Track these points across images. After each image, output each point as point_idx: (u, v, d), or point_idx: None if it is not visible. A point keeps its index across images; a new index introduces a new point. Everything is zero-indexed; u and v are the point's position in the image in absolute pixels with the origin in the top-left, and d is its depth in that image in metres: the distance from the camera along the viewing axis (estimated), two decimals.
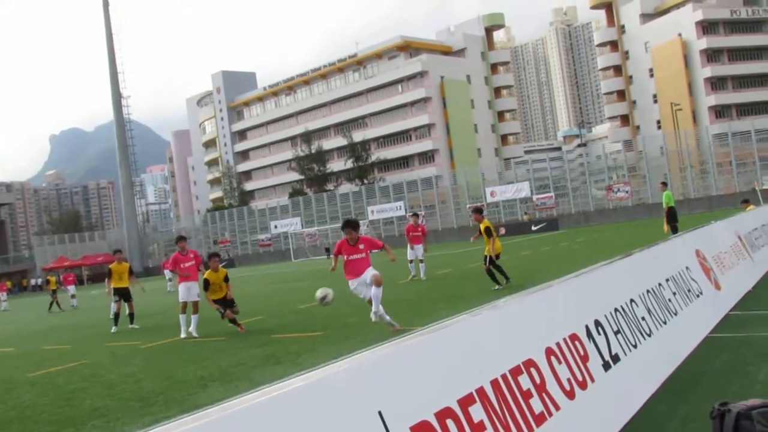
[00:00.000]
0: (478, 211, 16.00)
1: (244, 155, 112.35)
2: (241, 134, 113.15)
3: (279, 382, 2.79)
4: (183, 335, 13.13)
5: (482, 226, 15.35)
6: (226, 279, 13.09)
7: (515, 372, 3.90)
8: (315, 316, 14.04)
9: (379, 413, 2.93)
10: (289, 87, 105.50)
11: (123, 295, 17.12)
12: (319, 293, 10.12)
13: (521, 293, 4.83)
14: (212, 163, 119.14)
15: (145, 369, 10.06)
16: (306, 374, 2.90)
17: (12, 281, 51.02)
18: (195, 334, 13.12)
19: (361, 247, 10.36)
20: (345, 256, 10.38)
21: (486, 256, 15.08)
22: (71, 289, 30.88)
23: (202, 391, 7.91)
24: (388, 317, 10.33)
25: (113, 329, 16.26)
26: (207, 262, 13.48)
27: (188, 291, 13.53)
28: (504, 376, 3.79)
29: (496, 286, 14.61)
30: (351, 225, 10.64)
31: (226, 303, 12.98)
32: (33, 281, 72.20)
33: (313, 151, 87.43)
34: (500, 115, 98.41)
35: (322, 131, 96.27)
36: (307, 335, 11.25)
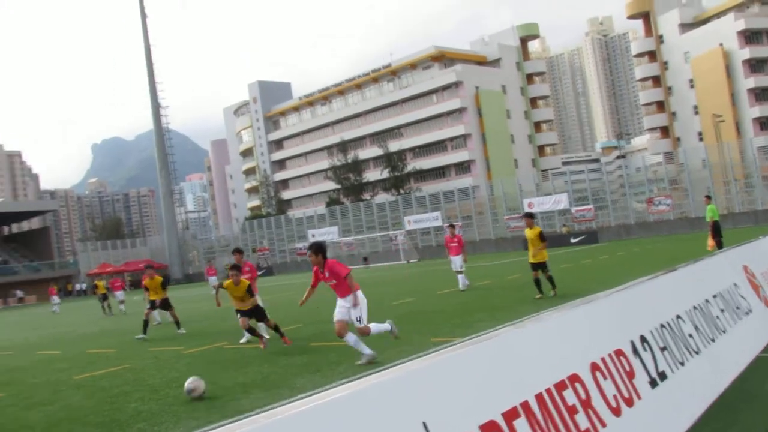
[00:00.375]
0: (530, 216, 15.81)
1: (280, 164, 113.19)
2: (278, 143, 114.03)
3: (324, 389, 2.83)
4: (242, 340, 13.38)
5: (536, 232, 15.23)
6: (251, 293, 12.17)
7: (560, 387, 3.87)
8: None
9: (424, 424, 2.94)
10: (324, 97, 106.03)
11: (161, 306, 17.53)
12: (189, 385, 8.39)
13: (565, 306, 4.80)
14: (250, 172, 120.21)
15: (188, 374, 10.17)
16: (350, 383, 2.94)
17: (57, 286, 52.06)
18: (266, 336, 13.30)
19: (327, 275, 9.64)
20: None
21: (545, 263, 15.10)
22: (120, 294, 31.40)
23: (244, 397, 8.00)
24: (366, 350, 9.45)
25: (139, 336, 16.52)
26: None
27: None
28: (549, 391, 3.76)
29: (554, 293, 14.70)
30: (311, 248, 9.86)
31: (252, 313, 12.26)
32: (78, 286, 73.54)
33: (349, 161, 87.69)
34: (537, 125, 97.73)
35: (358, 141, 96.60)
36: (346, 344, 11.28)
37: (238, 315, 12.27)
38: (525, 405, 3.53)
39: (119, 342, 16.86)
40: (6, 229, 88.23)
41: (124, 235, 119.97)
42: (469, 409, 3.25)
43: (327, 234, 61.88)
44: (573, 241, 46.83)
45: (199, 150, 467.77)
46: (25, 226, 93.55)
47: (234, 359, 11.44)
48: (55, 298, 41.18)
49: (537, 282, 15.00)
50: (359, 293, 9.59)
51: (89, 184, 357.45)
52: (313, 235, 63.66)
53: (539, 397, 3.66)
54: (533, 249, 15.15)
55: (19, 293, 70.76)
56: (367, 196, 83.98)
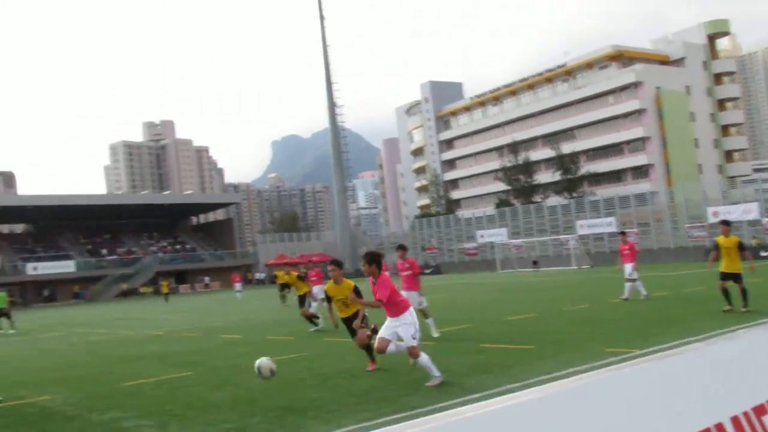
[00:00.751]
0: (727, 223, 14.79)
1: (450, 164, 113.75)
2: (448, 143, 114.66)
3: (495, 392, 2.81)
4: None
5: (734, 241, 14.27)
6: (357, 293, 9.94)
7: (759, 411, 3.60)
8: (524, 329, 13.89)
9: None
10: (496, 97, 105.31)
11: (300, 301, 18.49)
12: (265, 371, 8.47)
13: (762, 323, 4.46)
14: (420, 171, 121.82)
15: (359, 366, 10.48)
16: (529, 390, 2.90)
17: (240, 274, 55.50)
18: (436, 335, 13.44)
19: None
20: None
21: (740, 274, 14.10)
22: None
23: (414, 393, 8.12)
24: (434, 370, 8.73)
25: (312, 329, 17.15)
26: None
27: (409, 299, 13.93)
28: (746, 414, 3.52)
29: (745, 309, 13.68)
30: (365, 257, 9.26)
31: (352, 321, 10.46)
32: (257, 275, 77.88)
33: (519, 162, 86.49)
34: (724, 129, 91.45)
35: (529, 142, 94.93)
36: (517, 347, 11.15)
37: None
38: (719, 427, 3.33)
39: (296, 331, 17.65)
40: (194, 219, 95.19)
41: (299, 228, 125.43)
42: (658, 426, 3.11)
43: (496, 235, 61.38)
44: (763, 254, 43.36)
45: (372, 148, 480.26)
46: (211, 216, 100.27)
47: (404, 355, 11.61)
48: (238, 286, 43.71)
49: (725, 293, 14.00)
50: (411, 314, 8.96)
51: (269, 179, 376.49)
52: (482, 236, 63.42)
53: (735, 420, 3.44)
54: (727, 258, 14.17)
55: (207, 279, 76.19)
56: (537, 198, 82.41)
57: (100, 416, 8.46)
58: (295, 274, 18.73)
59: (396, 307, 8.93)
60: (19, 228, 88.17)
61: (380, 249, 76.28)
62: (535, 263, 51.69)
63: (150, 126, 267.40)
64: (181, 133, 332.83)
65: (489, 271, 55.77)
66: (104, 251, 78.37)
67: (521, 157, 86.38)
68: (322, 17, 79.60)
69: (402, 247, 14.54)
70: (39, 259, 71.53)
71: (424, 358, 8.63)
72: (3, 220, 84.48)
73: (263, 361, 8.50)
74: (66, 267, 71.33)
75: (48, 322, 33.62)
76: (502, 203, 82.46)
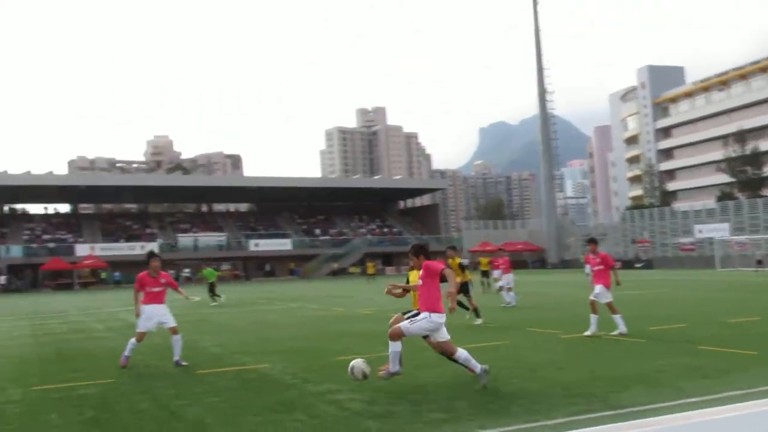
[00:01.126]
0: None
1: (667, 153, 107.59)
2: (666, 131, 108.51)
3: (731, 401, 2.62)
4: (620, 330, 12.97)
5: None
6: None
7: None
8: (746, 333, 12.86)
9: None
10: (722, 81, 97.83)
11: (462, 290, 16.55)
12: (357, 372, 8.31)
13: None
14: (633, 161, 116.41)
15: (566, 358, 10.27)
16: (760, 401, 2.68)
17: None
18: (623, 330, 12.95)
19: (420, 273, 8.66)
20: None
21: None
22: (497, 273, 32.68)
23: (624, 391, 7.82)
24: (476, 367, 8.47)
25: (477, 321, 16.41)
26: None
27: (599, 293, 13.43)
28: None
29: None
30: (413, 249, 8.88)
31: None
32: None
33: (746, 152, 79.82)
34: None
35: (759, 131, 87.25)
36: (739, 352, 10.33)
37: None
38: None
39: (496, 318, 17.64)
40: (402, 203, 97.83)
41: (504, 215, 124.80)
42: None
43: (716, 231, 57.16)
44: None
45: (581, 136, 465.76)
46: (418, 201, 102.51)
47: (612, 350, 11.25)
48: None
49: None
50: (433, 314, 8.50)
51: (475, 166, 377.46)
52: (700, 231, 59.45)
53: None
54: None
55: None
56: (766, 192, 75.66)
57: (315, 387, 8.98)
58: (458, 260, 17.70)
59: (429, 301, 8.61)
60: (243, 207, 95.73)
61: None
62: (759, 262, 47.55)
63: (363, 112, 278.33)
64: (391, 120, 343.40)
65: (706, 268, 52.07)
66: (318, 231, 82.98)
67: (749, 147, 79.80)
68: (535, 3, 78.27)
69: (593, 241, 14.19)
70: (260, 237, 77.30)
71: (397, 345, 8.55)
72: (230, 199, 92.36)
73: (358, 363, 8.48)
74: (283, 245, 76.50)
75: (267, 296, 36.33)
76: (725, 196, 76.75)
